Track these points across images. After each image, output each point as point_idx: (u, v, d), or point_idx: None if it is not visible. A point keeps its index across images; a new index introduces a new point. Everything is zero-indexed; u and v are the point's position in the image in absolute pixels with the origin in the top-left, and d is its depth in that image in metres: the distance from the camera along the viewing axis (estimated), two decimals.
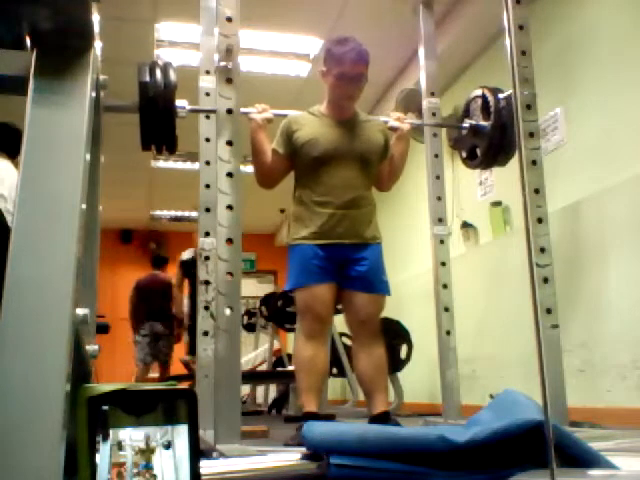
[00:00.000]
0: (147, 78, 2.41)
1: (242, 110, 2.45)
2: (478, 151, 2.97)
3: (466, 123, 3.00)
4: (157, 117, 2.40)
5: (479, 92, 2.99)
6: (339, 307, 2.98)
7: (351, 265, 2.56)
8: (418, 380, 4.68)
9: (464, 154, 3.08)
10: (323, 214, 2.53)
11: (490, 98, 2.87)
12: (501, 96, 2.86)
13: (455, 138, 3.22)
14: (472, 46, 4.42)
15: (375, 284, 2.59)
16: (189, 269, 5.57)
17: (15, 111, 1.00)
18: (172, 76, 2.45)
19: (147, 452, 0.79)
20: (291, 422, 3.02)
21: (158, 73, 2.43)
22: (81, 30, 0.97)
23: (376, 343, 2.58)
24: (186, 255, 5.79)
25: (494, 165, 2.99)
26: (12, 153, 2.89)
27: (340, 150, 2.55)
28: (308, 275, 2.52)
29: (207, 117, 2.78)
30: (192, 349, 5.37)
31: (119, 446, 0.77)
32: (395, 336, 4.20)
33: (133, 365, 5.98)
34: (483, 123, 2.91)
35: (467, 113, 3.04)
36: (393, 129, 2.73)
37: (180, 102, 2.47)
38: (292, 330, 5.04)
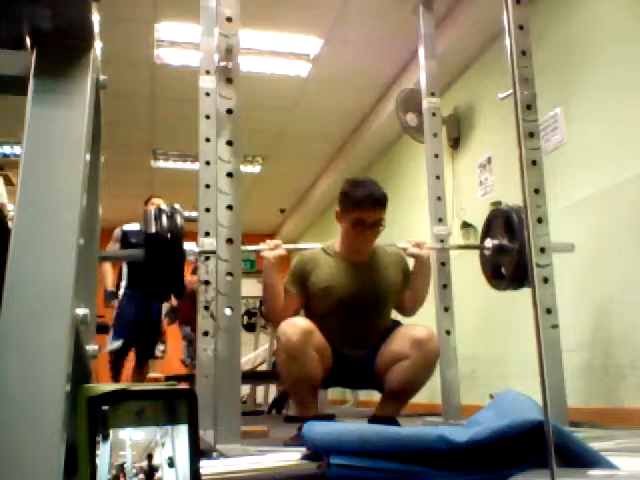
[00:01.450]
0: (153, 231, 2.31)
1: (253, 248, 2.42)
2: (503, 271, 2.82)
3: (489, 244, 2.86)
4: (164, 267, 2.32)
5: (500, 210, 2.88)
6: None
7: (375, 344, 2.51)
8: None
9: (488, 273, 2.93)
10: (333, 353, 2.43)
11: (514, 217, 2.74)
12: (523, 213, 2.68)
13: (481, 260, 3.01)
14: (472, 46, 4.42)
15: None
16: (132, 244, 4.61)
17: (15, 111, 1.00)
18: (179, 222, 2.36)
19: (147, 452, 0.79)
20: (291, 422, 3.01)
21: (164, 220, 2.32)
22: (81, 30, 0.97)
23: (430, 367, 2.42)
24: (130, 226, 4.89)
25: (522, 286, 2.75)
26: None
27: (356, 298, 2.47)
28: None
29: (207, 117, 2.78)
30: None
31: (119, 446, 0.77)
32: None
33: (133, 365, 5.97)
34: (507, 244, 2.76)
35: (488, 230, 2.92)
36: (412, 256, 2.63)
37: (189, 249, 2.38)
38: None
